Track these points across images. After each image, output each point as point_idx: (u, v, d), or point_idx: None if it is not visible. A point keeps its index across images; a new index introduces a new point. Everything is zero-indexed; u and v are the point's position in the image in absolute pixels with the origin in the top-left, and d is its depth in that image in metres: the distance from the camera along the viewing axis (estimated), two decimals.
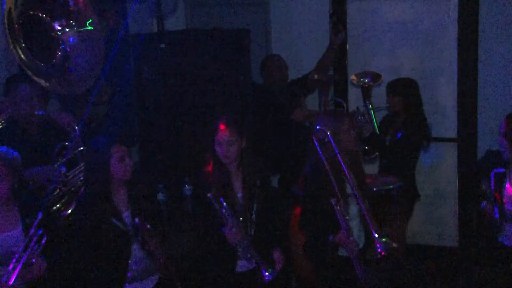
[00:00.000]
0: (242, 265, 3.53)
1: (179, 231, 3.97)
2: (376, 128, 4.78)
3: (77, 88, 2.95)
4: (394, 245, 3.15)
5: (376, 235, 3.15)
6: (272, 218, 3.67)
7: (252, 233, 3.49)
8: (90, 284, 3.20)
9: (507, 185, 3.55)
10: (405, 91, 4.72)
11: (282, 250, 3.65)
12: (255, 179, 3.57)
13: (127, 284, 3.29)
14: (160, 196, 4.17)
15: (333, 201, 3.24)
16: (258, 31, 5.51)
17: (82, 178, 3.57)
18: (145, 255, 3.36)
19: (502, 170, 3.60)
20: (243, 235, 3.37)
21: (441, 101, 5.41)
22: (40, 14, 2.79)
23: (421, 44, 5.38)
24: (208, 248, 3.54)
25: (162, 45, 4.43)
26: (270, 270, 3.37)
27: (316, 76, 4.95)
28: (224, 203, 3.31)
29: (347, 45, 5.52)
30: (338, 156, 3.28)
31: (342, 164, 3.28)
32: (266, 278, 3.36)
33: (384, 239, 3.15)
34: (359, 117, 4.59)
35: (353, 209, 3.51)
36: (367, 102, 4.83)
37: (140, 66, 4.60)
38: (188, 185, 4.20)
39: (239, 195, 3.53)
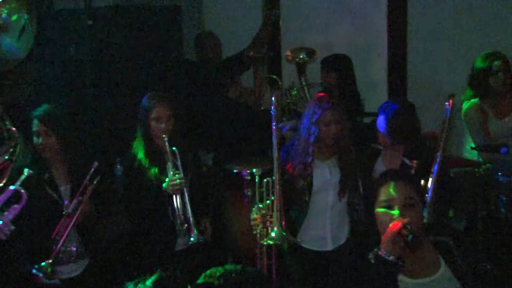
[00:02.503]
0: (180, 243, 3.57)
1: (113, 212, 3.89)
2: None
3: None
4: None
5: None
6: (203, 191, 3.73)
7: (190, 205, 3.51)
8: (17, 249, 3.20)
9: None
10: (339, 66, 4.76)
11: (210, 222, 3.73)
12: (186, 156, 3.60)
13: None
14: (118, 170, 4.06)
15: None
16: (190, 7, 5.40)
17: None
18: (78, 237, 3.35)
19: None
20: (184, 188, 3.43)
21: (373, 76, 5.49)
22: None
23: (353, 20, 5.43)
24: (145, 227, 3.54)
25: (90, 22, 4.28)
26: (195, 234, 3.40)
27: (251, 53, 4.90)
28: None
29: (281, 22, 5.49)
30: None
31: None
32: (192, 239, 3.40)
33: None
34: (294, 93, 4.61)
35: (330, 200, 3.53)
36: (302, 78, 4.84)
37: (67, 44, 4.41)
38: (119, 165, 4.09)
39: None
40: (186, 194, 3.46)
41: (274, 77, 5.00)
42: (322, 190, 3.51)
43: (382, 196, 2.43)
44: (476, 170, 3.90)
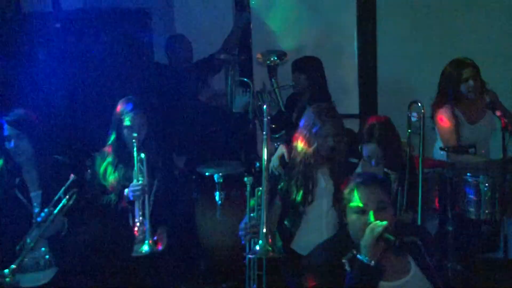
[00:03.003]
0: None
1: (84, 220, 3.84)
2: (282, 106, 4.81)
3: None
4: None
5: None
6: (171, 197, 3.70)
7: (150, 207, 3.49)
8: None
9: None
10: (310, 69, 4.79)
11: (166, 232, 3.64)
12: (157, 160, 3.59)
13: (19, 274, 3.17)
14: (88, 175, 4.01)
15: None
16: (160, 11, 5.37)
17: None
18: (47, 245, 3.31)
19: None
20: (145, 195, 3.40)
21: (343, 79, 5.52)
22: None
23: (323, 23, 5.45)
24: (106, 233, 3.53)
25: (58, 25, 4.22)
26: (148, 243, 3.36)
27: (222, 56, 4.90)
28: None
29: (251, 25, 5.49)
30: None
31: None
32: (143, 249, 3.36)
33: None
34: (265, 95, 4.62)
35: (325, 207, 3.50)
36: (273, 80, 4.85)
37: (34, 47, 4.35)
38: (89, 170, 4.05)
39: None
40: (147, 201, 3.43)
41: (246, 79, 5.00)
42: (317, 198, 3.49)
43: (355, 202, 2.46)
44: (445, 170, 3.96)
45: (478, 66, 4.15)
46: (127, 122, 3.51)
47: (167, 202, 3.68)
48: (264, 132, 3.14)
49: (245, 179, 3.17)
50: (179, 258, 3.69)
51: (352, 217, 2.47)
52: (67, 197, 3.25)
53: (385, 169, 3.50)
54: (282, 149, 3.60)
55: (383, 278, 2.40)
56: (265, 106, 3.26)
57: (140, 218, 3.43)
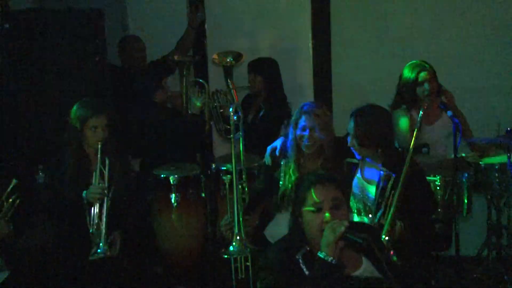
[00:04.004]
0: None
1: (35, 223, 3.76)
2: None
3: None
4: None
5: None
6: (127, 203, 3.68)
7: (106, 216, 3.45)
8: None
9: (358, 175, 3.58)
10: (266, 70, 4.81)
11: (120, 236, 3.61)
12: (115, 163, 3.56)
13: None
14: (40, 178, 3.92)
15: None
16: (113, 11, 5.29)
17: None
18: None
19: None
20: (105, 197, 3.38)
21: (299, 80, 5.55)
22: None
23: (278, 24, 5.48)
24: (62, 236, 3.47)
25: (7, 25, 4.11)
26: (102, 248, 3.35)
27: (176, 57, 4.85)
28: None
29: (206, 25, 5.47)
30: None
31: None
32: (97, 253, 3.34)
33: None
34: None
35: None
36: (229, 81, 4.83)
37: None
38: (41, 173, 3.96)
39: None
40: (105, 204, 3.40)
41: (201, 80, 4.97)
42: None
43: (310, 200, 2.47)
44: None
45: (434, 69, 4.23)
46: (91, 123, 3.50)
47: (123, 205, 3.65)
48: (231, 135, 3.17)
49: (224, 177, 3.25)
50: (134, 261, 3.63)
51: (307, 216, 2.48)
52: (9, 204, 3.18)
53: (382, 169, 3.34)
54: (277, 142, 3.68)
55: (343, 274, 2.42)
56: (231, 109, 3.23)
57: (97, 221, 3.39)
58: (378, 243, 2.57)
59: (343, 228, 2.34)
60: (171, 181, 4.20)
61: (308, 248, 2.47)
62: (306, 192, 2.50)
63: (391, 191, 3.14)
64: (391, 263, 2.56)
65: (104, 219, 3.38)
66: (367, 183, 3.40)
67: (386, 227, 3.06)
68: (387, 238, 3.02)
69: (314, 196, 2.47)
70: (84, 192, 3.41)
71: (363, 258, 2.54)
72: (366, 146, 3.32)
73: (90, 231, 3.42)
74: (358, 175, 3.47)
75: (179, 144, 4.60)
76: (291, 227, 2.64)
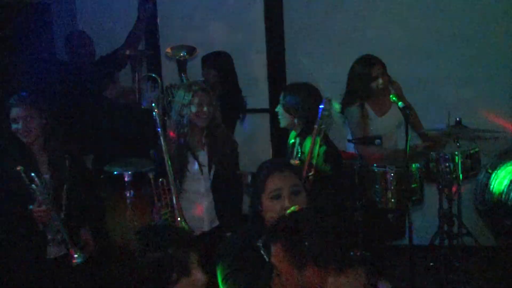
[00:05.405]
0: (52, 251, 3.44)
1: None
2: None
3: None
4: None
5: None
6: (84, 199, 3.62)
7: (63, 215, 3.40)
8: None
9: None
10: (220, 64, 4.78)
11: (90, 231, 3.63)
12: (63, 160, 3.48)
13: None
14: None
15: None
16: (61, 5, 5.15)
17: None
18: None
19: None
20: (53, 214, 3.30)
21: (253, 73, 5.54)
22: None
23: (231, 17, 5.45)
24: (14, 233, 3.37)
25: None
26: (78, 253, 3.33)
27: (127, 52, 4.76)
28: (36, 178, 3.23)
29: (159, 19, 5.39)
30: None
31: None
32: (75, 261, 3.31)
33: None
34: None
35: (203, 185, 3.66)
36: (183, 75, 4.78)
37: None
38: None
39: (46, 176, 3.42)
40: (58, 221, 3.33)
41: (154, 75, 4.90)
42: (193, 179, 3.66)
43: (270, 187, 2.50)
44: (354, 162, 4.06)
45: (384, 64, 4.28)
46: (11, 114, 3.37)
47: (79, 205, 3.56)
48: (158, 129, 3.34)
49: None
50: (89, 260, 3.55)
51: (267, 204, 2.51)
52: None
53: None
54: None
55: None
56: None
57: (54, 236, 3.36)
58: None
59: None
60: (125, 177, 4.12)
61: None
62: (264, 180, 2.52)
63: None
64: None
65: (61, 228, 3.32)
66: None
67: None
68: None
69: (273, 183, 2.49)
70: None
71: None
72: (288, 114, 3.68)
73: (49, 230, 3.36)
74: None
75: (132, 140, 4.52)
76: (251, 215, 2.65)
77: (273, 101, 5.51)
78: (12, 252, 3.39)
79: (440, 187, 4.36)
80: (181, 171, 3.61)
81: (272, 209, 2.48)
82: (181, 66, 4.83)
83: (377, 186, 4.01)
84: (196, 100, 3.60)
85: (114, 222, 4.22)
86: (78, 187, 3.56)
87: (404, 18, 5.18)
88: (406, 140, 3.73)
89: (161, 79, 4.86)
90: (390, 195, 3.99)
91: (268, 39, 5.41)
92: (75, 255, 3.30)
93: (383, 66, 4.27)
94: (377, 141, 4.17)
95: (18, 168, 3.20)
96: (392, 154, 4.21)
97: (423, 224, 4.81)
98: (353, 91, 4.31)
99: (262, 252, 2.41)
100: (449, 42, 5.10)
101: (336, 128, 4.70)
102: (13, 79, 4.21)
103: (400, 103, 3.78)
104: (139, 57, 4.68)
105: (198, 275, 2.09)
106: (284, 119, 3.76)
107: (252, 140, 5.66)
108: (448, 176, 4.21)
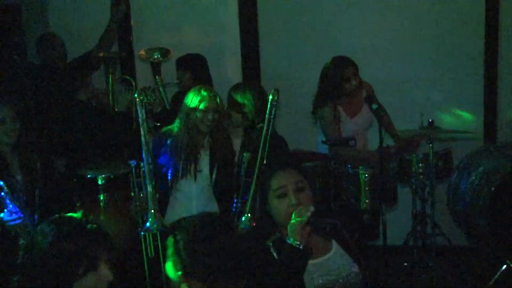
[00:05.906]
0: None
1: None
2: (167, 104, 4.73)
3: None
4: None
5: None
6: (57, 201, 3.61)
7: (36, 218, 3.39)
8: None
9: None
10: (194, 66, 4.77)
11: None
12: (35, 162, 3.48)
13: None
14: None
15: None
16: (32, 7, 5.08)
17: None
18: None
19: None
20: (25, 219, 3.25)
21: (228, 75, 5.53)
22: None
23: (205, 19, 5.44)
24: None
25: None
26: None
27: (101, 54, 4.72)
28: (4, 187, 3.19)
29: (132, 21, 5.36)
30: None
31: None
32: None
33: None
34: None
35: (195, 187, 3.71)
36: (157, 77, 4.75)
37: None
38: None
39: (19, 177, 3.41)
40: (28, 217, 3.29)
41: (128, 77, 4.86)
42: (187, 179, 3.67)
43: (274, 186, 2.53)
44: (328, 163, 4.08)
45: (357, 65, 4.30)
46: None
47: (52, 207, 3.51)
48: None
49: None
50: None
51: (274, 202, 2.53)
52: None
53: None
54: None
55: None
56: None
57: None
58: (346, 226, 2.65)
59: (309, 213, 2.38)
60: (99, 181, 4.08)
61: (278, 235, 2.51)
62: (269, 179, 2.56)
63: None
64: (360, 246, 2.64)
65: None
66: None
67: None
68: None
69: (277, 182, 2.52)
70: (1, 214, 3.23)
71: (333, 242, 2.59)
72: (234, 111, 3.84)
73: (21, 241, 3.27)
74: None
75: (106, 143, 4.48)
76: (260, 215, 2.67)
77: None
78: None
79: (413, 187, 4.40)
80: (175, 171, 3.65)
81: (279, 208, 2.52)
82: (155, 68, 4.80)
83: (351, 187, 4.04)
84: (202, 105, 3.62)
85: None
86: (50, 189, 3.55)
87: (377, 21, 5.23)
88: (380, 142, 3.76)
89: (135, 82, 4.84)
90: (363, 196, 4.02)
91: (242, 41, 5.41)
92: None
93: (356, 67, 4.30)
94: (351, 142, 4.20)
95: None
96: (364, 155, 4.25)
97: (397, 224, 4.86)
98: (325, 92, 4.32)
99: (272, 252, 2.46)
100: (419, 44, 5.16)
101: (307, 129, 4.74)
102: None
103: (374, 105, 3.81)
104: (112, 59, 4.64)
105: (105, 272, 2.07)
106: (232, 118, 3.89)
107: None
108: (421, 176, 4.26)
